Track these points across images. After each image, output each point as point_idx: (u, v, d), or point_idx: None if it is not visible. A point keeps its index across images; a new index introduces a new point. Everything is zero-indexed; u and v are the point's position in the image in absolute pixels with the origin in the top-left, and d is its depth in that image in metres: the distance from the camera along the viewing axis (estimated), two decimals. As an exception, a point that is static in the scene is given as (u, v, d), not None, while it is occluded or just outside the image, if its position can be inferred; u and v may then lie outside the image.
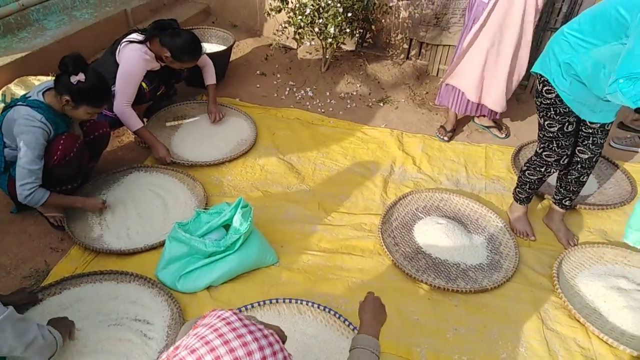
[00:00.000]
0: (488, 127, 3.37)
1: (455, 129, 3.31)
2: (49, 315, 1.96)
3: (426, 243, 2.47)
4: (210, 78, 3.18)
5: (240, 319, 1.00)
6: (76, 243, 2.32)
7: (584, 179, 2.40)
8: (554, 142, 2.29)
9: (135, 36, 2.77)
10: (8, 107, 2.19)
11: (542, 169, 2.41)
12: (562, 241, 2.53)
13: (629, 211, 2.66)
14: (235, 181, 2.82)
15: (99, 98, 2.24)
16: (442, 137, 3.26)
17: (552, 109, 2.20)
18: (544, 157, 2.37)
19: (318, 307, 2.06)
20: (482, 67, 2.91)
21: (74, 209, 2.45)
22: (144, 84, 2.81)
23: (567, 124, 2.22)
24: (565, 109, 2.18)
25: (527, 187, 2.52)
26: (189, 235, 2.16)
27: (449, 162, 3.10)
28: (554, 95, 2.16)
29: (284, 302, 2.09)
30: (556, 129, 2.25)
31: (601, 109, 2.11)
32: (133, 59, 2.68)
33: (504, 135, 3.32)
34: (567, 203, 2.53)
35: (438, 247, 2.44)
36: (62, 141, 2.22)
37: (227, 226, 2.29)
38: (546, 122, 2.27)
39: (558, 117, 2.21)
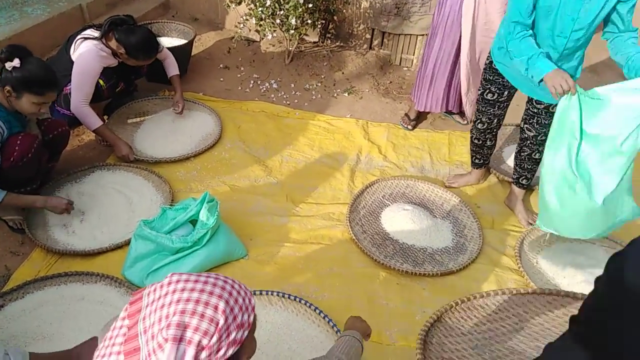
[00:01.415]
0: (451, 114, 3.43)
1: (419, 117, 3.36)
2: (11, 323, 1.91)
3: (393, 229, 2.51)
4: (172, 69, 3.12)
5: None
6: (38, 245, 2.25)
7: (536, 156, 2.47)
8: (477, 105, 2.53)
9: (90, 32, 2.70)
10: None
11: (472, 133, 2.66)
12: (522, 222, 2.62)
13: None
14: (201, 176, 2.79)
15: (40, 84, 2.09)
16: (406, 125, 3.30)
17: (484, 74, 2.41)
18: (474, 121, 2.62)
19: (288, 297, 2.07)
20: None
21: (34, 208, 2.37)
22: (101, 81, 2.74)
23: (487, 92, 2.42)
24: (490, 76, 2.37)
25: (473, 149, 2.74)
26: (155, 232, 2.13)
27: (414, 149, 3.16)
28: (488, 61, 2.38)
29: (253, 294, 2.09)
30: (479, 93, 2.48)
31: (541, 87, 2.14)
32: (88, 56, 2.61)
33: (466, 122, 3.39)
34: (524, 182, 2.61)
35: (405, 232, 2.49)
36: (18, 142, 2.13)
37: (194, 222, 2.27)
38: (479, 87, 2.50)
39: (483, 82, 2.43)
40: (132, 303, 0.96)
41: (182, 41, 3.63)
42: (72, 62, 2.66)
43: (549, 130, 2.07)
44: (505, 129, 3.31)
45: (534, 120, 2.35)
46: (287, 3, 3.19)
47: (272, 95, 3.56)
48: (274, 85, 3.65)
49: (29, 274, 2.16)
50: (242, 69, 3.82)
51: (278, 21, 3.30)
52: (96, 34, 2.68)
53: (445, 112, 3.43)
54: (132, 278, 2.14)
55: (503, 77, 2.33)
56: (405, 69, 4.02)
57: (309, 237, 2.45)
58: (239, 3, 3.37)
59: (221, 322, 0.89)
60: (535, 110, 2.33)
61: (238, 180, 2.78)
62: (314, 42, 4.07)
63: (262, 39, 3.92)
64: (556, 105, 2.03)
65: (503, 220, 2.65)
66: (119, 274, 2.17)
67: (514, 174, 2.64)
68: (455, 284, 2.26)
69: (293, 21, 3.23)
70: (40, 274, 2.16)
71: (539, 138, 2.39)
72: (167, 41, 3.63)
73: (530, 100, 2.35)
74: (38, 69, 2.09)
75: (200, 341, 0.86)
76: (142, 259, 2.15)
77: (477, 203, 2.75)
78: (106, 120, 3.01)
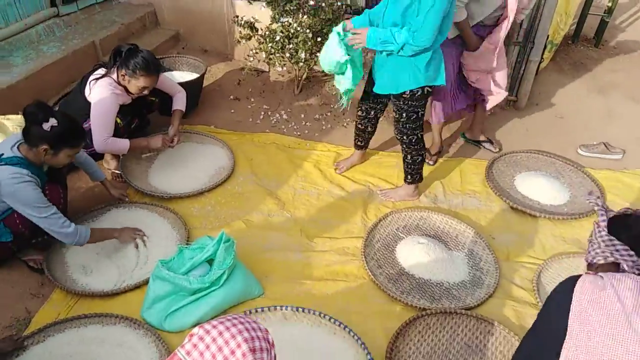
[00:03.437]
0: (480, 142, 3.42)
1: (441, 151, 3.35)
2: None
3: (409, 264, 2.51)
4: (178, 104, 3.12)
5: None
6: (57, 287, 2.28)
7: (408, 159, 2.81)
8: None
9: (101, 71, 2.76)
10: None
11: (356, 119, 2.97)
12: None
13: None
14: (216, 211, 2.81)
15: (76, 137, 2.22)
16: (427, 161, 3.24)
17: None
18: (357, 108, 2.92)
19: (303, 311, 2.11)
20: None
21: (110, 239, 2.44)
22: (118, 119, 2.78)
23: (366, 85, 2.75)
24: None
25: (356, 133, 3.05)
26: (172, 273, 2.15)
27: (425, 179, 3.15)
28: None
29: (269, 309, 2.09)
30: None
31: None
32: (104, 96, 2.66)
33: (497, 149, 3.36)
34: (408, 177, 2.91)
35: (421, 266, 2.49)
36: (47, 196, 2.17)
37: (210, 260, 2.28)
38: None
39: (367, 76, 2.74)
40: None
41: (193, 75, 3.69)
42: (86, 102, 2.71)
43: (404, 133, 2.71)
44: (517, 156, 3.32)
45: (395, 124, 2.72)
46: (297, 37, 3.24)
47: (283, 127, 3.59)
48: (284, 116, 3.69)
49: (49, 316, 2.19)
50: (252, 99, 3.86)
51: (287, 55, 3.35)
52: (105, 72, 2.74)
53: (473, 141, 3.44)
54: (151, 320, 2.15)
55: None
56: (414, 95, 4.05)
57: (324, 274, 2.46)
58: (249, 38, 3.43)
59: (266, 341, 1.14)
60: (395, 116, 2.70)
61: (252, 214, 2.80)
62: (323, 72, 4.11)
63: (271, 69, 3.97)
64: (400, 113, 2.63)
65: (518, 251, 2.64)
66: (138, 315, 2.19)
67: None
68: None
69: (302, 55, 3.28)
70: (60, 316, 2.18)
71: (399, 138, 2.76)
72: (179, 75, 3.69)
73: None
74: (70, 124, 2.17)
75: (268, 358, 1.11)
76: (160, 300, 2.17)
77: (491, 234, 2.75)
78: (120, 157, 3.05)
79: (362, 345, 2.03)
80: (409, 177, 2.88)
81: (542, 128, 3.67)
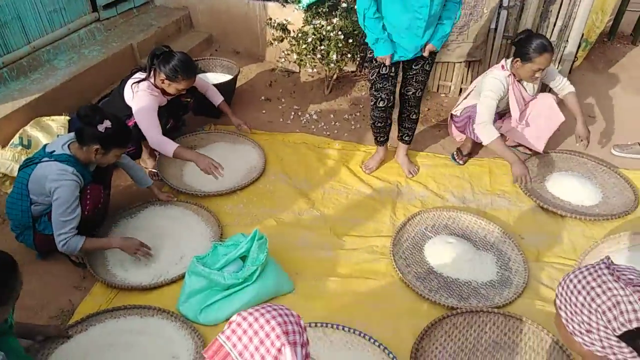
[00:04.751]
0: (515, 146, 3.41)
1: (471, 152, 3.34)
2: (76, 353, 2.05)
3: (437, 263, 2.53)
4: (217, 97, 3.32)
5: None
6: (98, 280, 2.40)
7: (413, 117, 3.02)
8: (375, 85, 2.83)
9: (139, 75, 2.88)
10: (31, 163, 2.28)
11: (375, 115, 2.97)
12: (405, 171, 3.16)
13: (633, 220, 2.73)
14: (248, 209, 2.90)
15: (126, 138, 2.38)
16: (458, 160, 3.27)
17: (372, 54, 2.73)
18: (374, 102, 2.92)
19: (343, 329, 2.14)
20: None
21: (112, 248, 2.47)
22: (155, 121, 2.90)
23: (382, 67, 2.73)
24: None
25: (378, 130, 3.07)
26: (207, 269, 2.24)
27: (454, 178, 3.18)
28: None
29: (309, 326, 2.15)
30: (374, 72, 2.79)
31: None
32: (144, 98, 2.77)
33: (531, 152, 3.33)
34: (406, 138, 3.14)
35: (449, 266, 2.51)
36: (88, 195, 2.32)
37: (243, 257, 2.36)
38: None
39: (375, 61, 2.74)
40: (214, 356, 1.18)
41: (227, 76, 3.79)
42: (125, 105, 2.84)
43: (425, 86, 2.87)
44: (548, 157, 3.29)
45: (413, 80, 2.84)
46: (328, 39, 3.29)
47: (313, 127, 3.66)
48: (314, 116, 3.75)
49: (91, 307, 2.30)
50: (282, 100, 3.94)
51: (319, 56, 3.41)
52: (144, 75, 2.86)
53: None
54: (187, 312, 2.25)
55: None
56: (443, 95, 4.05)
57: (353, 272, 2.51)
58: (282, 40, 3.50)
59: (298, 325, 1.22)
60: (413, 73, 2.81)
61: (283, 213, 2.88)
62: (352, 72, 4.16)
63: (302, 70, 4.04)
64: (430, 63, 2.78)
65: (548, 252, 2.63)
66: (174, 308, 2.29)
67: (398, 133, 3.17)
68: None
69: (334, 57, 3.33)
70: (101, 308, 2.29)
71: (417, 94, 2.89)
72: (212, 77, 3.80)
73: (405, 67, 2.82)
74: (121, 125, 2.32)
75: (301, 340, 1.19)
76: (195, 294, 2.26)
77: (520, 234, 2.75)
78: (157, 157, 3.17)
79: (390, 355, 2.05)
80: (411, 137, 3.14)
81: (574, 128, 3.61)
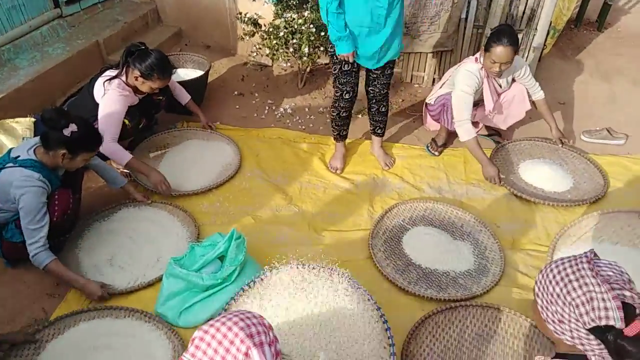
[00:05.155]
0: (489, 136, 3.44)
1: (446, 142, 3.36)
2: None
3: (415, 254, 2.55)
4: (184, 96, 3.28)
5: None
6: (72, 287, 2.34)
7: (383, 109, 3.03)
8: (338, 80, 2.84)
9: (109, 73, 2.80)
10: None
11: (339, 107, 2.96)
12: (381, 163, 3.17)
13: (604, 204, 2.79)
14: (224, 207, 2.86)
15: (93, 141, 2.30)
16: (433, 151, 3.29)
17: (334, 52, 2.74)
18: (338, 95, 2.92)
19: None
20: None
21: (71, 286, 2.32)
22: (126, 121, 2.83)
23: (344, 64, 2.76)
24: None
25: (339, 124, 3.06)
26: (185, 270, 2.20)
27: (430, 169, 3.20)
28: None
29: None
30: (336, 69, 2.81)
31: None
32: (112, 98, 2.70)
33: (506, 142, 3.36)
34: (379, 131, 3.15)
35: (427, 257, 2.53)
36: (56, 200, 2.24)
37: (221, 257, 2.33)
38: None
39: (337, 58, 2.76)
40: None
41: (198, 72, 3.72)
42: (95, 104, 2.75)
43: (389, 86, 2.91)
44: (521, 144, 3.34)
45: (376, 82, 2.88)
46: (300, 32, 3.26)
47: (288, 121, 3.63)
48: (289, 111, 3.72)
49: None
50: (256, 94, 3.89)
51: (291, 50, 3.37)
52: (115, 73, 2.78)
53: (482, 135, 3.45)
54: (166, 314, 2.21)
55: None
56: (417, 85, 4.07)
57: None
58: (253, 35, 3.45)
59: (262, 325, 1.22)
60: (375, 75, 2.85)
61: (260, 210, 2.85)
62: (326, 64, 4.13)
63: (274, 64, 4.00)
64: (391, 66, 2.83)
65: (523, 239, 2.68)
66: (152, 311, 2.25)
67: (370, 127, 3.18)
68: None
69: (306, 50, 3.30)
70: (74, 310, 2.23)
71: (382, 92, 2.92)
72: (183, 72, 3.72)
73: (367, 68, 2.83)
74: (88, 129, 2.24)
75: (268, 339, 1.20)
76: (174, 297, 2.22)
77: (496, 222, 2.79)
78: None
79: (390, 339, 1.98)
80: (384, 129, 3.16)
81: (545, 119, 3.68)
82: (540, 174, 3.06)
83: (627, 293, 1.12)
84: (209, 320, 1.24)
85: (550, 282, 1.21)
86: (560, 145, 3.23)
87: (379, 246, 2.61)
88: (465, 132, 2.95)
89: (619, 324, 1.09)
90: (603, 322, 1.11)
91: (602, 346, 1.13)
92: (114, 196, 2.88)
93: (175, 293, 2.22)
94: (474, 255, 2.57)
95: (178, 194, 2.88)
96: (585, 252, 1.22)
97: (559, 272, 1.20)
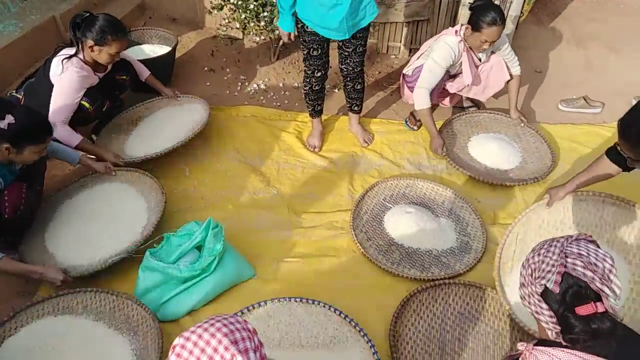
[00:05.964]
0: (466, 108, 3.39)
1: None
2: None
3: (397, 234, 2.52)
4: (143, 71, 3.07)
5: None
6: (42, 283, 2.23)
7: (358, 87, 2.93)
8: (308, 63, 2.78)
9: (66, 51, 2.60)
10: None
11: (311, 83, 2.86)
12: (360, 140, 3.10)
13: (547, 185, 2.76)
14: (200, 192, 2.76)
15: (39, 132, 2.09)
16: (412, 126, 3.23)
17: (302, 36, 2.66)
18: (309, 73, 2.84)
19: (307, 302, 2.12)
20: None
21: (30, 279, 2.19)
22: (86, 104, 2.65)
23: (312, 50, 2.69)
24: (308, 37, 2.63)
25: (314, 99, 2.95)
26: (162, 262, 2.12)
27: (409, 144, 3.14)
28: (300, 25, 2.61)
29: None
30: (305, 53, 2.74)
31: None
32: (69, 77, 2.51)
33: (463, 113, 3.32)
34: (356, 108, 3.06)
35: (409, 236, 2.50)
36: (5, 197, 2.07)
37: (199, 246, 2.25)
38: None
39: (304, 43, 2.68)
40: None
41: (164, 48, 3.53)
42: (52, 86, 2.57)
43: (362, 63, 2.78)
44: (479, 116, 3.25)
45: (349, 59, 2.75)
46: (272, 5, 3.10)
47: (262, 97, 3.50)
48: (262, 86, 3.58)
49: (37, 313, 2.14)
50: (227, 70, 3.73)
51: (262, 23, 3.21)
52: (72, 51, 2.59)
53: (459, 107, 3.40)
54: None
55: (317, 34, 2.59)
56: (393, 56, 3.97)
57: (314, 250, 2.46)
58: (221, 9, 3.26)
59: (246, 330, 1.15)
60: (347, 53, 2.72)
61: (237, 194, 2.76)
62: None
63: (245, 37, 3.82)
64: (363, 43, 2.67)
65: (504, 214, 2.67)
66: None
67: (347, 104, 3.08)
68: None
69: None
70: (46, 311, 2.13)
71: (356, 70, 2.80)
72: (149, 49, 3.53)
73: (340, 45, 2.72)
74: (31, 118, 2.04)
75: (253, 345, 1.12)
76: (151, 290, 2.15)
77: (477, 198, 2.77)
78: (95, 139, 2.94)
79: (369, 343, 2.00)
80: (361, 106, 3.06)
81: (521, 84, 3.64)
82: (487, 149, 2.99)
83: (589, 273, 1.14)
84: (190, 328, 1.17)
85: (531, 251, 1.29)
86: (521, 124, 3.17)
87: (360, 227, 2.56)
88: (422, 99, 2.90)
89: (552, 286, 1.16)
90: (543, 282, 1.18)
91: (555, 319, 1.18)
92: (75, 174, 2.72)
93: (152, 287, 2.14)
94: (456, 233, 2.56)
95: (144, 158, 2.73)
96: (580, 233, 1.27)
97: (541, 245, 1.26)
